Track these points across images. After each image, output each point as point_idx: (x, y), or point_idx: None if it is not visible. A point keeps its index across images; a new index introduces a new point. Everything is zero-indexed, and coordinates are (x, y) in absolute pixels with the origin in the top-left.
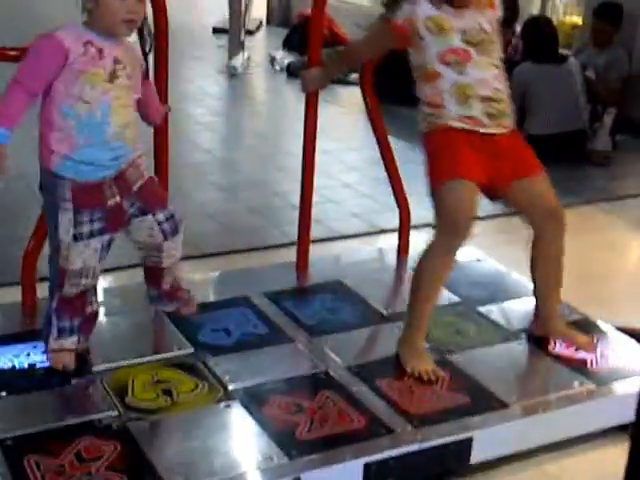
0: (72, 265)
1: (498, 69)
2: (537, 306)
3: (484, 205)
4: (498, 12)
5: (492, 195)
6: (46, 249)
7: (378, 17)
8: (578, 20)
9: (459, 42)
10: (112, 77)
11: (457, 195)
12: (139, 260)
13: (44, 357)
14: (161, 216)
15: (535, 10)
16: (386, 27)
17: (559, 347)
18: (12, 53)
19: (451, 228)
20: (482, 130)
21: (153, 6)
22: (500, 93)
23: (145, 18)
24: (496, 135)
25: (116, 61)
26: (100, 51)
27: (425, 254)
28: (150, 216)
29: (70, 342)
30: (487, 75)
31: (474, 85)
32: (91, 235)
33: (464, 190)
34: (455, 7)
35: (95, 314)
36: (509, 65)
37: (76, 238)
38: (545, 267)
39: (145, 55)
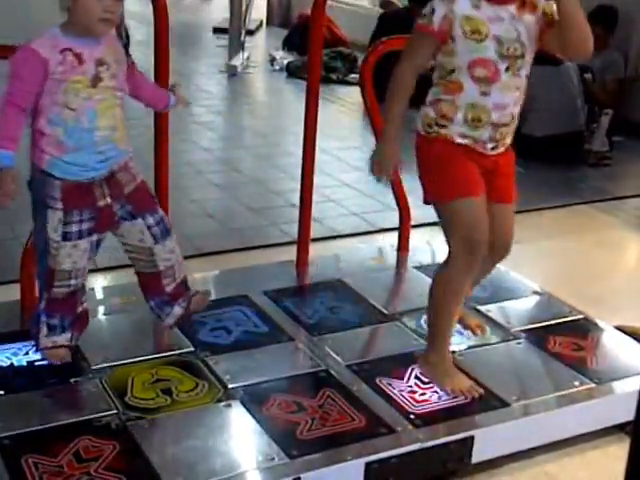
0: (61, 265)
1: (520, 91)
2: None
3: None
4: (539, 12)
5: None
6: None
7: (414, 29)
8: None
9: (492, 53)
10: (95, 81)
11: (472, 214)
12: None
13: (42, 355)
14: (151, 220)
15: None
16: (424, 38)
17: (559, 346)
18: None
19: (468, 247)
20: (482, 151)
21: (154, 5)
22: (513, 118)
23: (122, 17)
24: (494, 155)
25: (98, 63)
26: (79, 56)
27: (444, 272)
28: (140, 220)
29: (63, 338)
30: (508, 100)
31: (491, 110)
32: (80, 236)
33: (477, 208)
34: (494, 3)
35: (86, 312)
36: None
37: (65, 238)
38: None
39: (126, 55)
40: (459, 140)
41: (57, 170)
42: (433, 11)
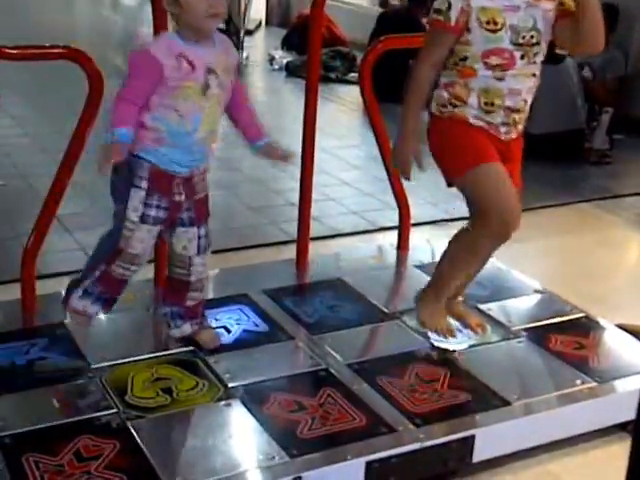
0: (131, 248)
1: (535, 77)
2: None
3: None
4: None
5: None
6: (45, 247)
7: (429, 24)
8: None
9: (508, 43)
10: (204, 89)
11: (499, 177)
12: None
13: (43, 354)
14: (202, 231)
15: None
16: (442, 35)
17: (560, 345)
18: (14, 52)
19: (501, 215)
20: (496, 134)
21: (153, 7)
22: (526, 104)
23: (229, 13)
24: (508, 140)
25: (209, 71)
26: (192, 63)
27: (470, 234)
28: (195, 229)
29: (93, 309)
30: (522, 87)
31: (505, 95)
32: (155, 222)
33: (503, 173)
34: None
35: (116, 300)
36: None
37: (142, 220)
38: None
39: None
40: (474, 122)
41: (151, 156)
42: (449, 6)
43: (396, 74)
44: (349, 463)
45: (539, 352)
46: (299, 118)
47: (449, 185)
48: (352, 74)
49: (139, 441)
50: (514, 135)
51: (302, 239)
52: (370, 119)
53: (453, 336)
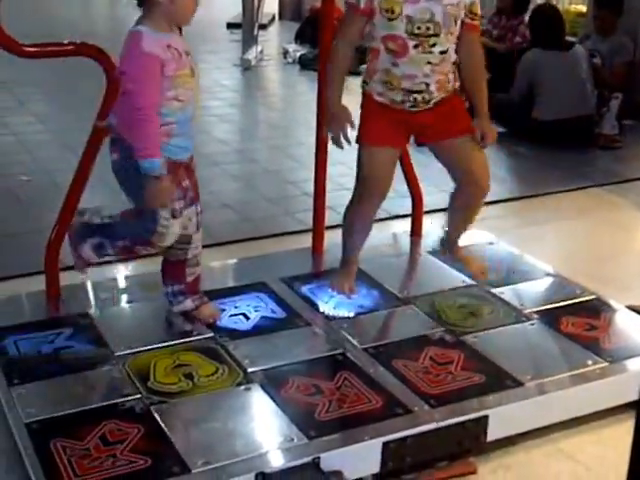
0: (165, 243)
1: (433, 64)
2: (446, 232)
3: (497, 190)
4: None
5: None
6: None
7: (345, 6)
8: (582, 8)
9: (402, 31)
10: (192, 71)
11: (372, 159)
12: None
13: (68, 343)
14: (199, 207)
15: None
16: (353, 14)
17: (572, 327)
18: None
19: (364, 187)
20: (402, 109)
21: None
22: (429, 86)
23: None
24: (419, 111)
25: (187, 53)
26: (177, 50)
27: (349, 206)
28: (194, 207)
29: (98, 258)
30: (417, 72)
31: (401, 79)
32: (181, 212)
33: (378, 156)
34: None
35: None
36: (518, 53)
37: (174, 215)
38: (459, 212)
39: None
40: (377, 98)
41: (164, 151)
42: None
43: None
44: (366, 444)
45: (551, 334)
46: (313, 110)
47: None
48: (363, 66)
49: (162, 425)
50: (423, 107)
51: (317, 228)
52: None
53: (350, 290)
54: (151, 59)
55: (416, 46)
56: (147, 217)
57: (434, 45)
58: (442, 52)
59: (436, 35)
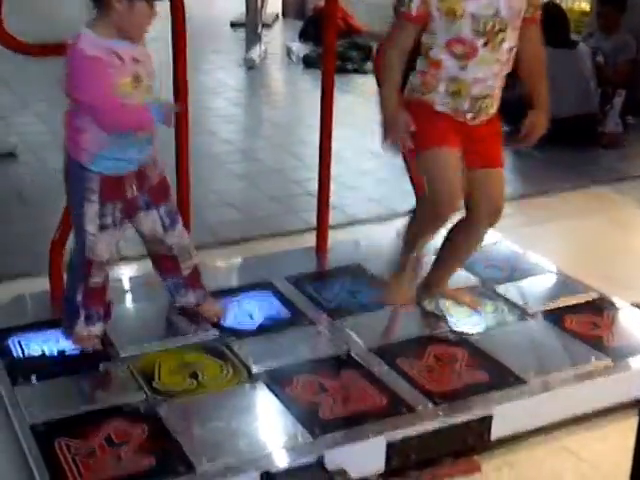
0: (99, 257)
1: (501, 63)
2: (433, 273)
3: None
4: None
5: None
6: (71, 240)
7: (394, 13)
8: (586, 7)
9: (468, 31)
10: (136, 81)
11: (446, 162)
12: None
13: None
14: (162, 210)
15: None
16: (406, 22)
17: (575, 325)
18: (34, 48)
19: (438, 198)
20: (462, 120)
21: (171, 1)
22: (494, 90)
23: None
24: (476, 125)
25: (134, 60)
26: (120, 57)
27: (414, 221)
28: (154, 210)
29: (97, 329)
30: (487, 74)
31: (470, 84)
32: (114, 225)
33: (451, 157)
34: None
35: (110, 302)
36: None
37: (102, 229)
38: (458, 248)
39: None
40: (439, 108)
41: (97, 166)
42: None
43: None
44: (371, 442)
45: (555, 332)
46: (317, 109)
47: (404, 159)
48: (368, 64)
49: (167, 425)
50: (483, 118)
51: (322, 227)
52: None
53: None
54: (94, 61)
55: (485, 44)
56: (77, 232)
57: (502, 41)
58: (510, 49)
59: (502, 30)
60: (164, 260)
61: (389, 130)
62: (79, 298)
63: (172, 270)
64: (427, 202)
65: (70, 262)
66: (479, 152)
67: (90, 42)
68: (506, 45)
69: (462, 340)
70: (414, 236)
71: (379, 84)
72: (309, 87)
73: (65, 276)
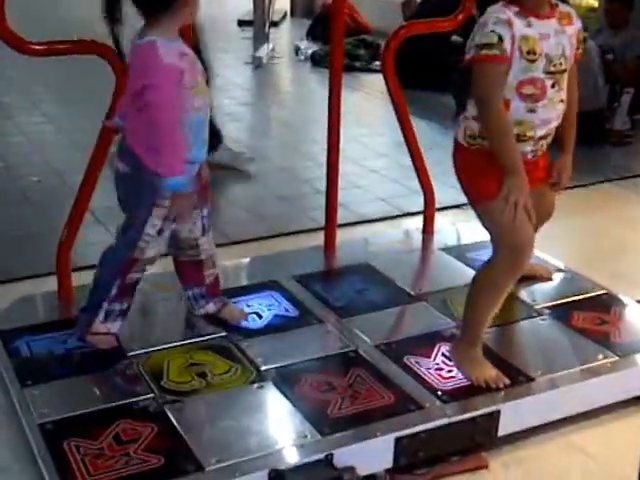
0: (147, 255)
1: (563, 103)
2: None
3: None
4: (577, 25)
5: None
6: (79, 240)
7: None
8: (594, 2)
9: (541, 72)
10: (204, 77)
11: (518, 215)
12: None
13: (81, 343)
14: (205, 212)
15: None
16: (499, 64)
17: (583, 322)
18: (40, 47)
19: (515, 251)
20: (524, 160)
21: None
22: (554, 129)
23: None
24: (532, 161)
25: (195, 60)
26: (189, 57)
27: (490, 271)
28: (198, 210)
29: (116, 326)
30: (553, 115)
31: (537, 126)
32: (168, 228)
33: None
34: (541, 18)
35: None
36: None
37: (160, 232)
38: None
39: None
40: None
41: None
42: (500, 37)
43: (419, 61)
44: (379, 440)
45: (562, 329)
46: (325, 107)
47: (475, 210)
48: (377, 62)
49: (176, 424)
50: (541, 154)
51: (330, 226)
52: (394, 106)
53: (504, 382)
54: (171, 70)
55: (553, 85)
56: (132, 231)
57: (564, 82)
58: (567, 88)
59: (565, 70)
60: (190, 267)
61: (519, 191)
62: (114, 292)
63: (196, 279)
64: (504, 253)
65: (105, 257)
66: (538, 176)
67: (167, 49)
68: (564, 84)
69: None
70: (488, 298)
71: (386, 81)
72: (317, 85)
73: (97, 271)
